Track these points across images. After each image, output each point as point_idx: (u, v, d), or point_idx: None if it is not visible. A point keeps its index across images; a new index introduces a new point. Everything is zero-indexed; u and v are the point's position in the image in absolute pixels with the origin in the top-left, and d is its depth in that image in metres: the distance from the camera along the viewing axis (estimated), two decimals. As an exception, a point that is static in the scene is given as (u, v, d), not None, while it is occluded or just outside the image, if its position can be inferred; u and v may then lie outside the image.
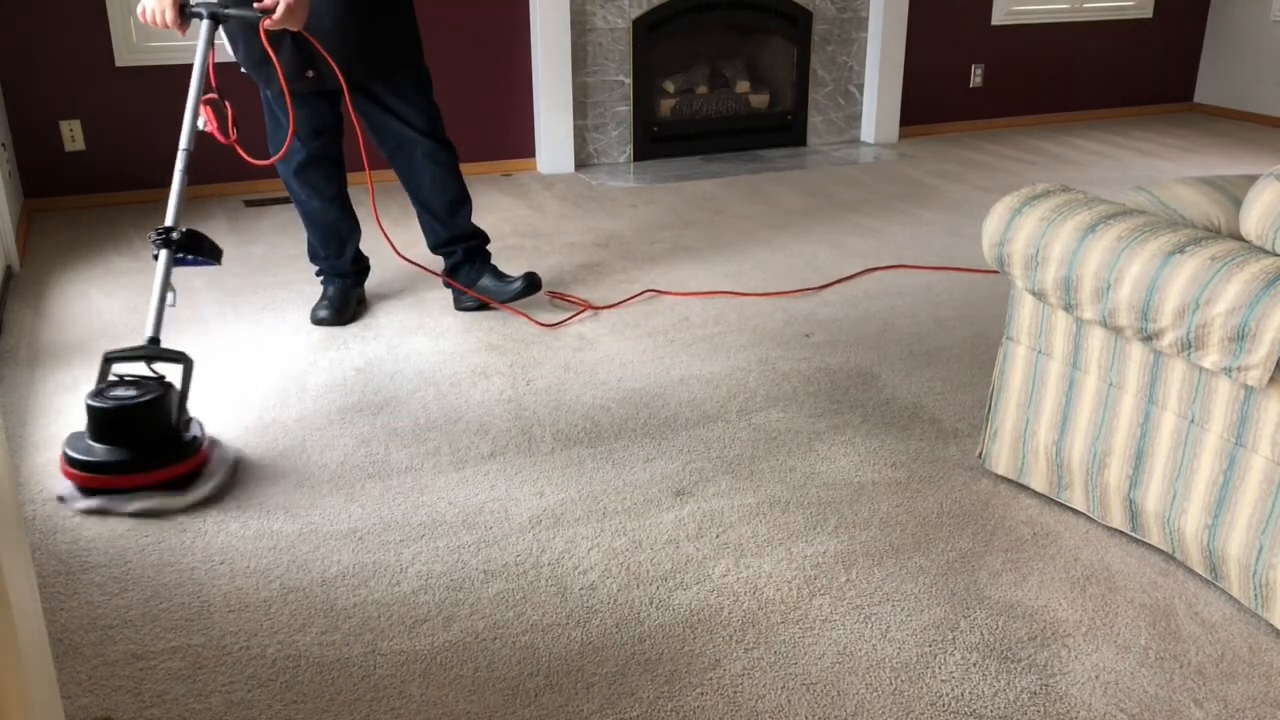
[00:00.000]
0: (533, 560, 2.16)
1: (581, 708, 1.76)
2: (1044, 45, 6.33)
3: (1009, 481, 2.45)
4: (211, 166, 4.83)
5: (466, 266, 3.48)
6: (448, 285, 3.52)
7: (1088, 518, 2.30)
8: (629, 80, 5.36)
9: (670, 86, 5.62)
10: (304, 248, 4.11)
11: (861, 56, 5.83)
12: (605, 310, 3.49)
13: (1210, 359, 1.86)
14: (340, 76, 2.99)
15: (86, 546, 2.21)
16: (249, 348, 3.20)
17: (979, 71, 6.22)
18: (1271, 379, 1.81)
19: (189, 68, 4.66)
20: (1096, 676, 1.84)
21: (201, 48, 2.78)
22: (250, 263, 3.96)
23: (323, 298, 3.45)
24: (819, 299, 3.58)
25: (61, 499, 2.36)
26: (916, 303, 3.56)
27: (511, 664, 1.87)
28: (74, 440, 2.39)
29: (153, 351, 2.49)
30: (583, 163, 5.41)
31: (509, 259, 3.98)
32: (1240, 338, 1.79)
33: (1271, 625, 1.95)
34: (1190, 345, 1.89)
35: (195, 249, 2.66)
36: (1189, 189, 2.17)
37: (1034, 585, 2.08)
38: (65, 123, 4.57)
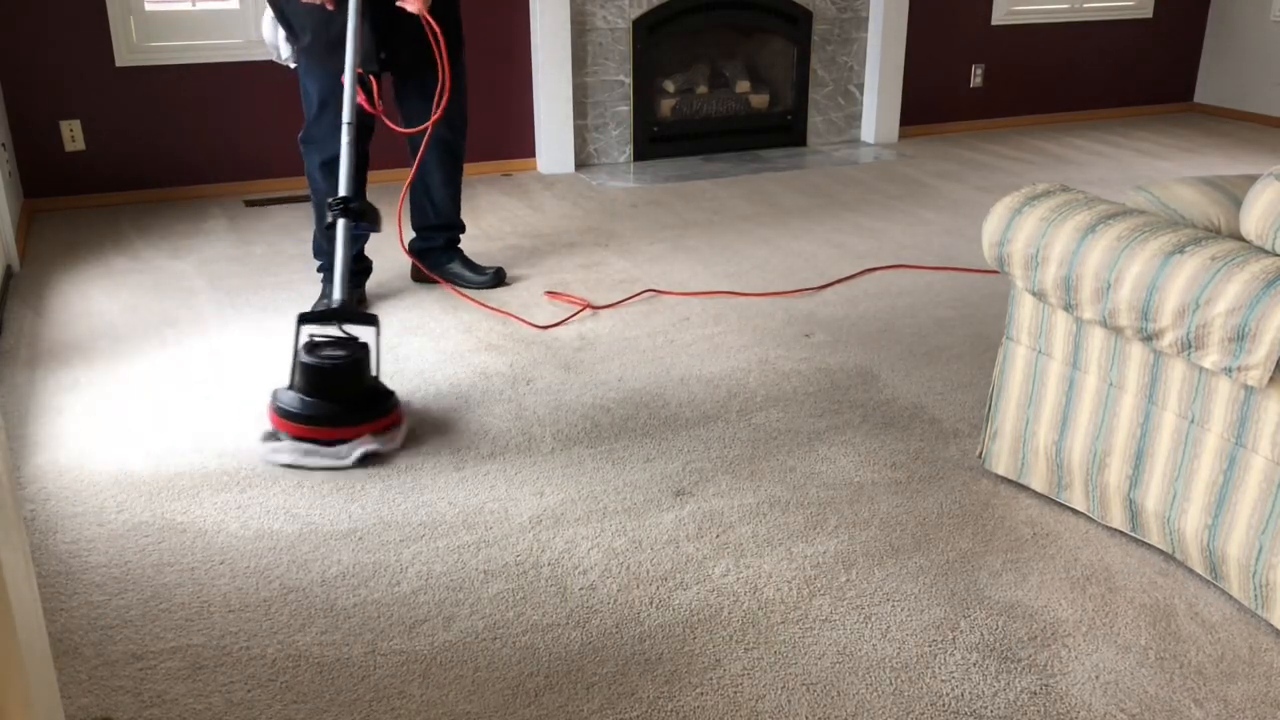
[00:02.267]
0: (533, 560, 2.16)
1: (581, 708, 1.76)
2: (1044, 45, 6.33)
3: (1009, 481, 2.45)
4: (212, 167, 4.84)
5: (438, 252, 3.71)
6: (412, 260, 3.74)
7: (1088, 518, 2.30)
8: (629, 80, 5.36)
9: (670, 86, 5.62)
10: (304, 248, 4.11)
11: (861, 56, 5.83)
12: (605, 310, 3.49)
13: (1210, 359, 1.86)
14: (443, 47, 3.11)
15: (87, 546, 2.21)
16: (249, 348, 3.20)
17: (979, 71, 6.22)
18: (1271, 379, 1.81)
19: (189, 68, 4.66)
20: (1096, 676, 1.84)
21: (353, 23, 2.93)
22: (250, 263, 3.96)
23: (322, 297, 3.48)
24: (819, 299, 3.58)
25: (274, 436, 2.55)
26: (916, 303, 3.55)
27: (511, 664, 1.87)
28: (281, 395, 2.57)
29: (345, 314, 2.70)
30: (583, 163, 5.41)
31: (509, 259, 3.98)
32: (1240, 338, 1.79)
33: (1271, 625, 1.95)
34: (1190, 345, 1.89)
35: (368, 218, 2.89)
36: (1189, 189, 2.17)
37: (1034, 585, 2.08)
38: (65, 123, 4.57)
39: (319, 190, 3.38)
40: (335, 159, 3.27)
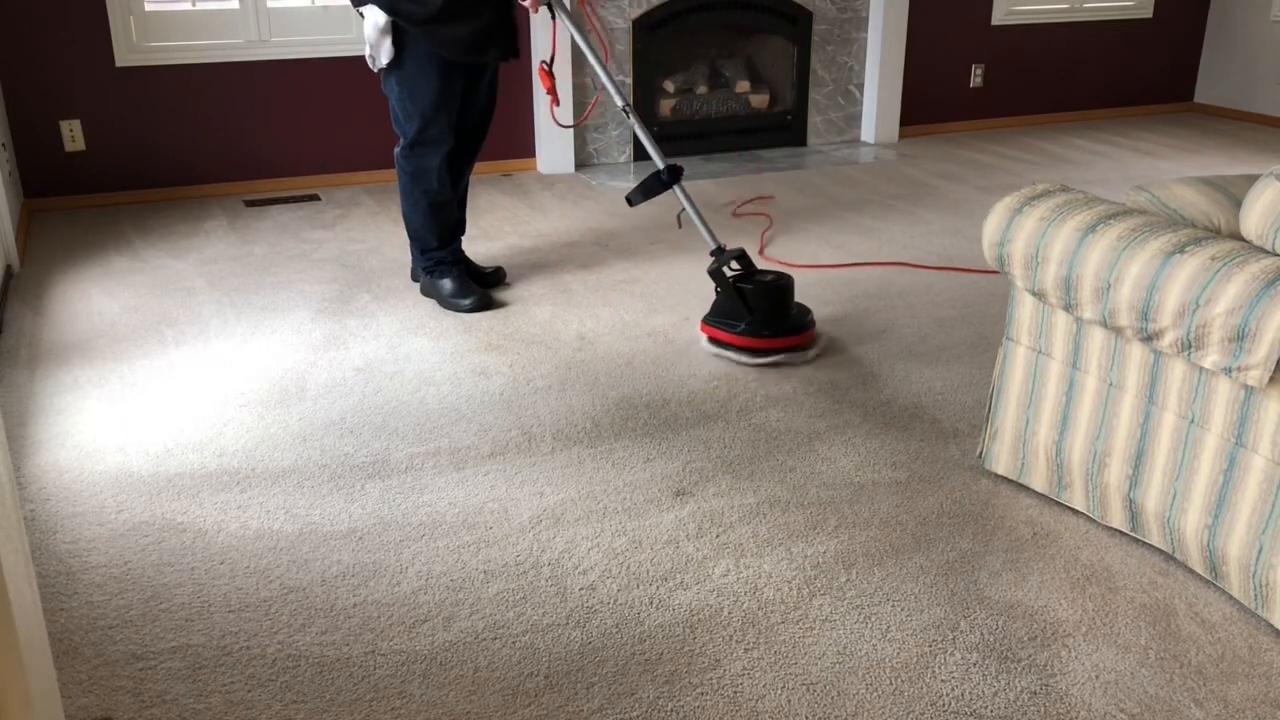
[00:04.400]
0: (533, 560, 2.16)
1: (581, 708, 1.77)
2: (1044, 45, 6.33)
3: (1009, 481, 2.45)
4: (212, 167, 4.84)
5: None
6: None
7: (1088, 518, 2.30)
8: (629, 80, 5.36)
9: (670, 86, 5.62)
10: (304, 247, 4.11)
11: (861, 56, 5.83)
12: (604, 309, 3.49)
13: (1210, 359, 1.86)
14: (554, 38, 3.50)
15: (86, 546, 2.21)
16: (249, 348, 3.20)
17: (979, 71, 6.22)
18: (1271, 379, 1.81)
19: (189, 68, 4.66)
20: (1096, 676, 1.84)
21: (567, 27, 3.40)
22: (250, 263, 3.96)
23: (451, 289, 3.53)
24: (819, 299, 3.58)
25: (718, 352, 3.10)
26: (916, 303, 3.55)
27: (511, 664, 1.87)
28: (728, 321, 3.12)
29: (726, 255, 3.21)
30: (583, 163, 5.41)
31: (509, 258, 3.98)
32: (1240, 338, 1.79)
33: (1271, 625, 1.95)
34: (1190, 345, 1.89)
35: (680, 178, 3.32)
36: (1189, 189, 2.17)
37: (1034, 585, 2.08)
38: (65, 123, 4.57)
39: (432, 190, 3.43)
40: (450, 156, 3.43)
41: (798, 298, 3.49)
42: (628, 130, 5.44)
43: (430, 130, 3.35)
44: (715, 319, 3.14)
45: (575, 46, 5.18)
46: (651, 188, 3.28)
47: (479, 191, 4.93)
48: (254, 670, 1.85)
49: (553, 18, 3.44)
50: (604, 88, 3.36)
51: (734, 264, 3.20)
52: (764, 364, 3.05)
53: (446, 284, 3.53)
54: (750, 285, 3.07)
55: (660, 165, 3.28)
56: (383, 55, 3.30)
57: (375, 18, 3.22)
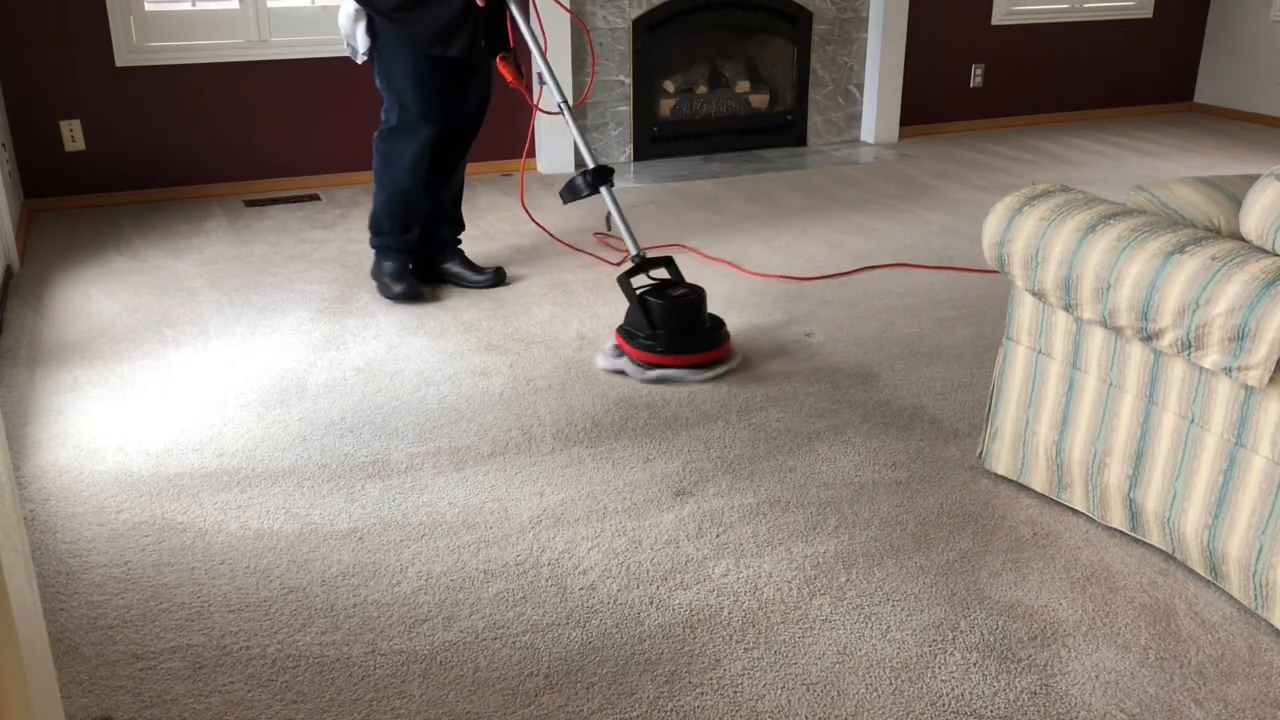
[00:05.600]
0: (533, 560, 2.16)
1: (581, 708, 1.76)
2: (1044, 45, 6.33)
3: (1009, 481, 2.45)
4: (212, 167, 4.84)
5: (443, 245, 3.72)
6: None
7: (1088, 518, 2.30)
8: (629, 80, 5.36)
9: (670, 86, 5.62)
10: (304, 247, 4.11)
11: (861, 56, 5.83)
12: (604, 309, 3.48)
13: (1210, 359, 1.86)
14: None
15: (86, 546, 2.21)
16: (249, 347, 3.20)
17: (979, 71, 6.22)
18: (1271, 379, 1.81)
19: (189, 68, 4.66)
20: (1096, 676, 1.84)
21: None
22: (250, 263, 3.96)
23: (388, 274, 3.59)
24: (819, 299, 3.58)
25: (622, 372, 2.98)
26: (916, 303, 3.55)
27: (511, 664, 1.87)
28: (632, 331, 3.00)
29: (647, 263, 3.12)
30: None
31: (509, 258, 3.98)
32: (1240, 338, 1.79)
33: (1271, 625, 1.95)
34: (1190, 345, 1.89)
35: (610, 180, 3.25)
36: (1189, 189, 2.17)
37: (1034, 585, 2.08)
38: (65, 123, 4.57)
39: (402, 178, 3.44)
40: (427, 145, 3.42)
41: (791, 303, 3.48)
42: (628, 130, 5.44)
43: (407, 117, 3.38)
44: (623, 327, 3.05)
45: (575, 42, 5.18)
46: (578, 188, 3.24)
47: (479, 191, 4.93)
48: (254, 670, 1.85)
49: (506, 10, 3.33)
50: (546, 80, 3.31)
51: (653, 274, 3.13)
52: (655, 380, 2.94)
53: (388, 265, 3.60)
54: (656, 299, 2.97)
55: (590, 164, 3.22)
56: (359, 44, 3.35)
57: (347, 6, 3.30)
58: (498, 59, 3.33)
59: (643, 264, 3.12)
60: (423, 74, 3.33)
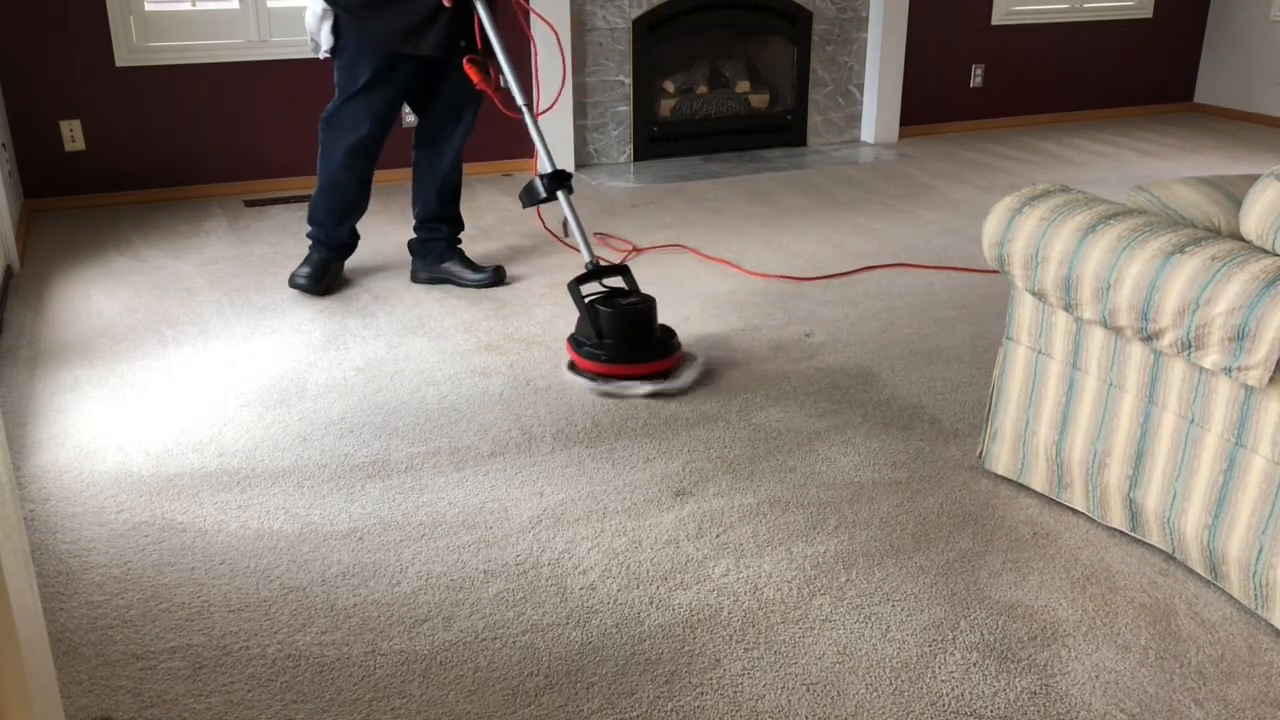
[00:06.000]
0: (533, 560, 2.16)
1: (581, 708, 1.76)
2: (1044, 45, 6.33)
3: (1009, 481, 2.45)
4: (212, 167, 4.84)
5: (442, 245, 3.73)
6: (414, 255, 3.79)
7: (1088, 518, 2.30)
8: (629, 80, 5.36)
9: (670, 86, 5.62)
10: (304, 247, 4.11)
11: (861, 56, 5.83)
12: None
13: (1210, 359, 1.86)
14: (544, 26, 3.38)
15: (86, 546, 2.21)
16: (249, 347, 3.20)
17: (979, 71, 6.22)
18: (1271, 379, 1.81)
19: (189, 68, 4.66)
20: (1096, 676, 1.84)
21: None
22: (250, 263, 3.96)
23: (304, 263, 3.66)
24: (819, 299, 3.58)
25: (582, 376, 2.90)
26: (916, 303, 3.55)
27: (511, 664, 1.87)
28: (580, 340, 2.93)
29: (601, 271, 3.08)
30: (583, 163, 5.41)
31: (509, 258, 3.98)
32: (1240, 338, 1.79)
33: (1271, 625, 1.95)
34: (1190, 345, 1.89)
35: (569, 186, 3.21)
36: (1189, 189, 2.17)
37: (1034, 585, 2.08)
38: (65, 123, 4.57)
39: (335, 168, 3.49)
40: (363, 143, 3.44)
41: (784, 304, 3.48)
42: (627, 130, 5.44)
43: (345, 111, 3.41)
44: (574, 335, 3.00)
45: (576, 42, 5.18)
46: (536, 192, 3.23)
47: (479, 191, 4.93)
48: (254, 670, 1.85)
49: (473, 10, 3.29)
50: (510, 83, 3.27)
51: (605, 282, 3.09)
52: (601, 390, 2.88)
53: (313, 258, 3.65)
54: (604, 308, 2.91)
55: (548, 168, 3.19)
56: (323, 41, 3.38)
57: (314, 5, 3.32)
58: (465, 61, 3.29)
59: (596, 271, 3.08)
60: (382, 74, 3.35)
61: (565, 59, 3.42)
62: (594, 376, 2.90)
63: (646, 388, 2.86)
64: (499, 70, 3.28)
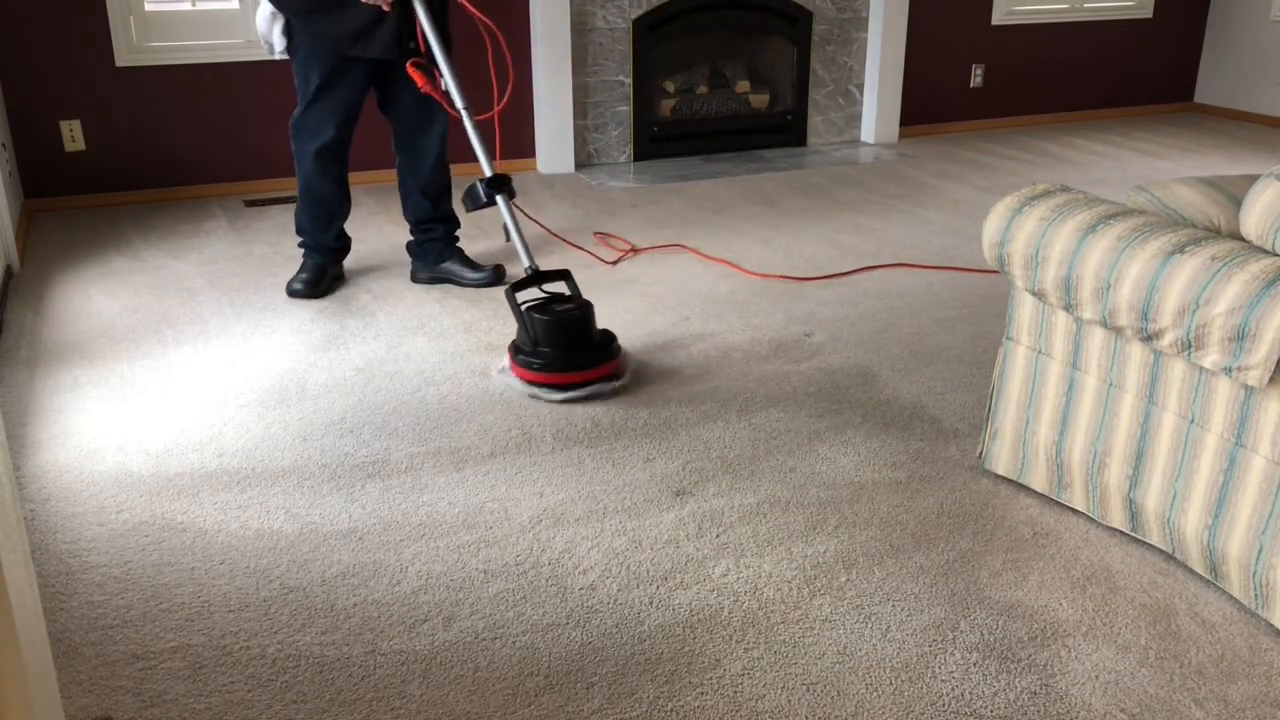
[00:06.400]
0: (533, 560, 2.16)
1: (581, 708, 1.77)
2: (1044, 45, 6.33)
3: (1009, 481, 2.45)
4: (212, 167, 4.84)
5: (440, 245, 3.72)
6: (413, 256, 3.79)
7: (1088, 518, 2.30)
8: (629, 80, 5.36)
9: (670, 86, 5.62)
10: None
11: (861, 56, 5.83)
12: (604, 309, 3.49)
13: (1210, 359, 1.86)
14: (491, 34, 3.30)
15: (86, 546, 2.21)
16: (249, 347, 3.20)
17: (979, 71, 6.22)
18: (1271, 379, 1.81)
19: (189, 68, 4.66)
20: (1096, 676, 1.84)
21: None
22: (250, 263, 3.96)
23: (300, 270, 3.65)
24: (819, 299, 3.58)
25: (534, 395, 2.85)
26: (916, 303, 3.55)
27: (511, 664, 1.87)
28: (519, 349, 2.89)
29: (541, 276, 3.03)
30: (583, 163, 5.41)
31: (508, 258, 3.98)
32: (1240, 338, 1.79)
33: (1271, 625, 1.95)
34: (1190, 345, 1.89)
35: (512, 191, 3.21)
36: (1189, 189, 2.17)
37: (1034, 585, 2.08)
38: (65, 123, 4.57)
39: (307, 174, 3.51)
40: (329, 146, 3.45)
41: (785, 304, 3.48)
42: (627, 130, 5.44)
43: (307, 118, 3.43)
44: (513, 342, 2.96)
45: (576, 42, 5.19)
46: (478, 196, 3.22)
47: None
48: (254, 670, 1.85)
49: (414, 12, 3.24)
50: (450, 86, 3.23)
51: (545, 288, 3.03)
52: (533, 396, 2.85)
53: (308, 263, 3.65)
54: (539, 314, 2.86)
55: (487, 173, 3.17)
56: (276, 43, 3.39)
57: (264, 7, 3.34)
58: (409, 65, 3.25)
59: (536, 276, 3.03)
60: (332, 77, 3.35)
61: (510, 59, 3.35)
62: (530, 384, 2.86)
63: (578, 394, 2.82)
64: (441, 72, 3.24)
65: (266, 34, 3.39)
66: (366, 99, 3.49)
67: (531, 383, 2.86)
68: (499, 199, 3.16)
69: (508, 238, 3.20)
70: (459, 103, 3.21)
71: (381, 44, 3.28)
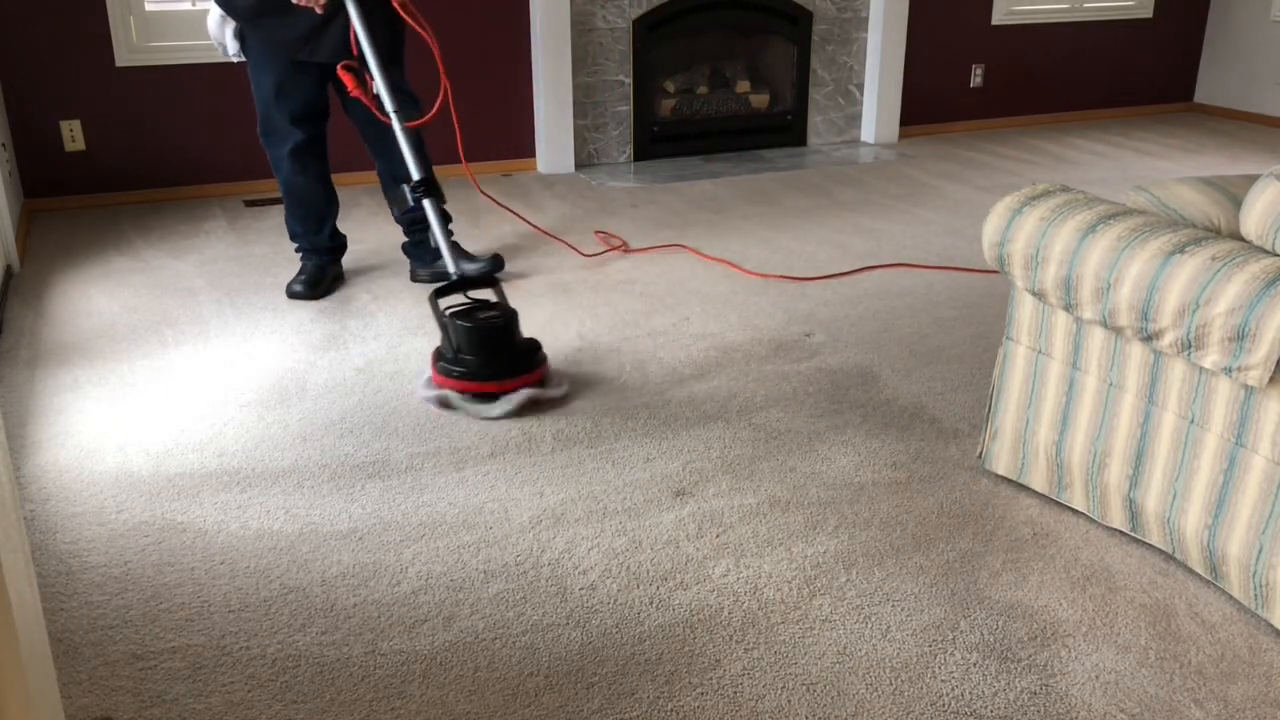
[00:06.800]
0: (533, 560, 2.16)
1: (581, 708, 1.77)
2: (1044, 45, 6.33)
3: (1009, 481, 2.45)
4: (212, 167, 4.84)
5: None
6: (409, 256, 3.78)
7: (1088, 518, 2.30)
8: (629, 80, 5.36)
9: (670, 86, 5.62)
10: (304, 248, 4.11)
11: (861, 56, 5.83)
12: (604, 309, 3.49)
13: (1210, 359, 1.86)
14: (435, 44, 3.24)
15: (86, 547, 2.21)
16: (249, 347, 3.20)
17: (979, 71, 6.22)
18: (1271, 379, 1.81)
19: (189, 68, 4.66)
20: (1096, 676, 1.84)
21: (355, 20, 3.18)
22: (250, 263, 3.96)
23: (299, 273, 3.64)
24: (819, 299, 3.58)
25: (447, 405, 2.77)
26: (916, 303, 3.56)
27: (511, 664, 1.87)
28: (442, 357, 2.81)
29: (467, 282, 2.99)
30: (583, 163, 5.41)
31: (508, 258, 3.98)
32: (1240, 338, 1.79)
33: (1271, 625, 1.95)
34: (1190, 345, 1.89)
35: (439, 195, 3.18)
36: (1189, 189, 2.17)
37: (1034, 585, 2.08)
38: (65, 123, 4.57)
39: (285, 176, 3.51)
40: (301, 146, 3.45)
41: (784, 305, 3.48)
42: (627, 130, 5.44)
43: (269, 123, 3.43)
44: (437, 349, 2.89)
45: (576, 42, 5.19)
46: (403, 201, 3.20)
47: (477, 191, 4.93)
48: (254, 670, 1.85)
49: (347, 13, 3.20)
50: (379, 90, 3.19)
51: (470, 294, 2.98)
52: (454, 407, 2.78)
53: (307, 265, 3.65)
54: (461, 321, 2.78)
55: (415, 176, 3.15)
56: (229, 46, 3.38)
57: (214, 11, 3.34)
58: (339, 68, 3.18)
59: (461, 282, 2.98)
60: (285, 79, 3.34)
61: (443, 67, 3.25)
62: (448, 393, 2.79)
63: (497, 409, 2.74)
64: (372, 76, 3.20)
65: (219, 37, 3.39)
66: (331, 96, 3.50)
67: (452, 390, 2.78)
68: (426, 203, 3.14)
69: (432, 241, 3.15)
70: (388, 105, 3.16)
71: (330, 47, 3.27)
